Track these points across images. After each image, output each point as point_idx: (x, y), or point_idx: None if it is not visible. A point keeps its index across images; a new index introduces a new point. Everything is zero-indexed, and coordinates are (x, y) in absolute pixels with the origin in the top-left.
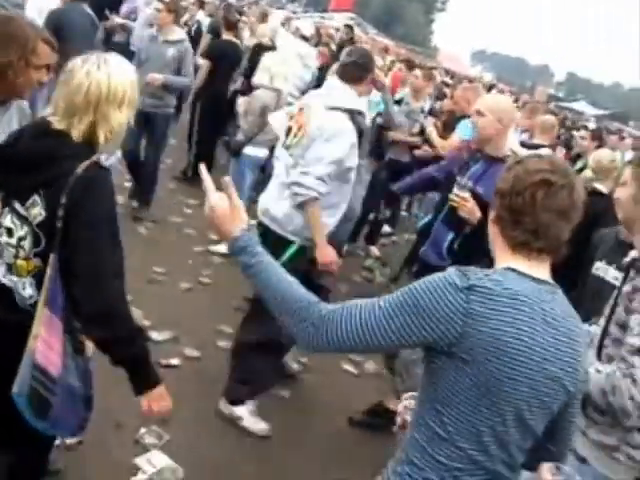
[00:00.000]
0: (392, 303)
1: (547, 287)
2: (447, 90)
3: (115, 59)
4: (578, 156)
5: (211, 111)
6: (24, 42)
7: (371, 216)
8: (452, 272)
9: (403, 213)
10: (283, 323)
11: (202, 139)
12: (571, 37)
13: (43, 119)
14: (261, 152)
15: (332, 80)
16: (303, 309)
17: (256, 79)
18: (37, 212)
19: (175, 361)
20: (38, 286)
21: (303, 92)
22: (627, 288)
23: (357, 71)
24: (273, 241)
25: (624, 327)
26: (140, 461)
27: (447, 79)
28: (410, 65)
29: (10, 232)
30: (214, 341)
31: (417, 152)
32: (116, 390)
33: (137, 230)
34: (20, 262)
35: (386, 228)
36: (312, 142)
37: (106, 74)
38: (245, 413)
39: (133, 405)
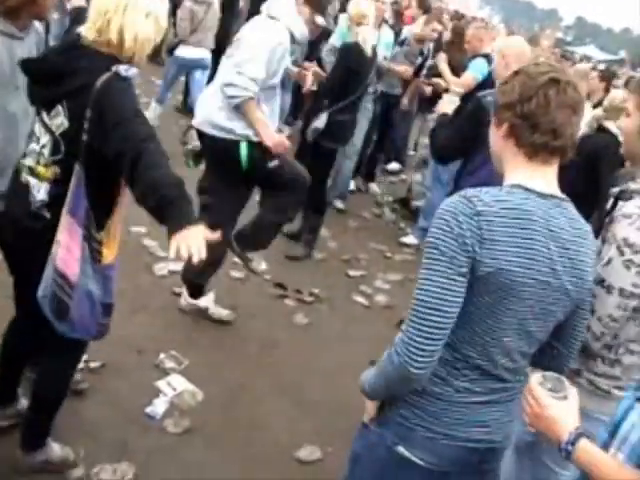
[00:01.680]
0: (427, 274)
1: (554, 201)
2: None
3: None
4: (587, 96)
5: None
6: None
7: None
8: (457, 201)
9: (411, 152)
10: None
11: None
12: None
13: (75, 34)
14: (190, 53)
15: None
16: (386, 367)
17: None
18: (59, 122)
19: None
20: (51, 192)
21: None
22: (607, 219)
23: None
24: (224, 148)
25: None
26: (160, 384)
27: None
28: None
29: (38, 139)
30: (228, 272)
31: (424, 87)
32: (136, 318)
33: None
34: (40, 168)
35: (394, 165)
36: (244, 44)
37: None
38: (209, 303)
39: (153, 332)
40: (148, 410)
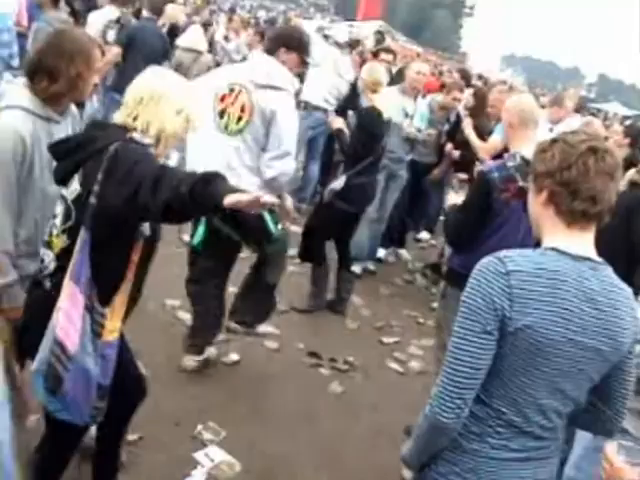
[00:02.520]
0: (458, 332)
1: (589, 263)
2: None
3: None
4: None
5: None
6: (87, 53)
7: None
8: (489, 262)
9: (441, 217)
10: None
11: None
12: (601, 38)
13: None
14: None
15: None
16: (421, 423)
17: None
18: (73, 188)
19: (235, 356)
20: (58, 262)
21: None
22: None
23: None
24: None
25: None
26: (198, 456)
27: (480, 83)
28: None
29: (55, 215)
30: (261, 341)
31: (452, 153)
32: (173, 390)
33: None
34: (53, 238)
35: (424, 234)
36: (266, 123)
37: (175, 81)
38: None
39: (190, 403)
40: None
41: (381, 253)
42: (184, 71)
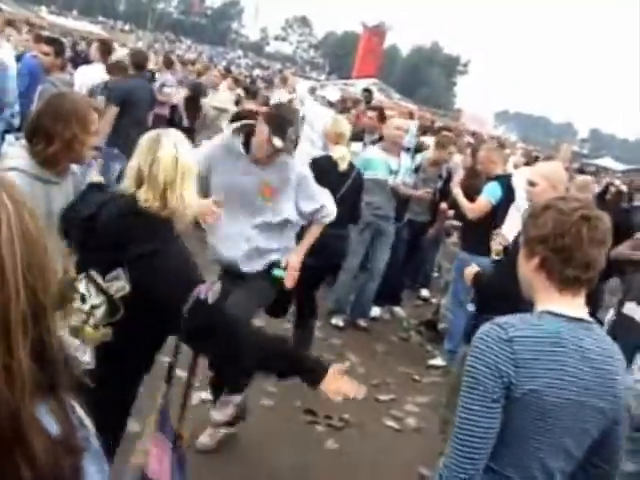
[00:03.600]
0: (464, 402)
1: (582, 324)
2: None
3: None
4: None
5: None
6: (83, 115)
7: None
8: (490, 329)
9: (435, 274)
10: None
11: None
12: (594, 93)
13: (130, 196)
14: None
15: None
16: None
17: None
18: (121, 285)
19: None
20: (98, 356)
21: None
22: None
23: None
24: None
25: None
26: None
27: (471, 140)
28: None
29: (83, 298)
30: (258, 401)
31: (446, 211)
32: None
33: None
34: (88, 329)
35: (424, 292)
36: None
37: (182, 152)
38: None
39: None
40: None
41: (376, 311)
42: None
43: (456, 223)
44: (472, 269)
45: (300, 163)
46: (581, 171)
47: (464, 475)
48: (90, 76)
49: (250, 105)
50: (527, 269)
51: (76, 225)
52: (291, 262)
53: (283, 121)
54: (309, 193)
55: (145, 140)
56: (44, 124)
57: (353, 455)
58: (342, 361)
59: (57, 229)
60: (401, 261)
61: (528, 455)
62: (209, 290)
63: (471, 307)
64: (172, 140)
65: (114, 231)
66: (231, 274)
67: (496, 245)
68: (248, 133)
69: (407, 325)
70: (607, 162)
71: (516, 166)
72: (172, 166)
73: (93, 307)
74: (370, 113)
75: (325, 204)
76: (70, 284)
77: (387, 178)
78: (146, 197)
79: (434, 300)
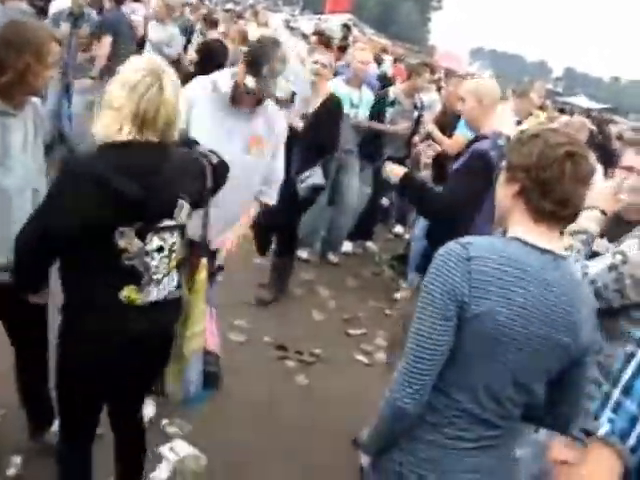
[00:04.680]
0: (417, 317)
1: (552, 256)
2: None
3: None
4: None
5: None
6: (39, 45)
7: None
8: (451, 246)
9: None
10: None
11: None
12: (568, 33)
13: (131, 143)
14: None
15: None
16: (381, 409)
17: None
18: (186, 211)
19: None
20: (178, 271)
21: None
22: None
23: None
24: None
25: None
26: (163, 450)
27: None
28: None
29: (161, 249)
30: (228, 335)
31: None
32: None
33: None
34: (172, 263)
35: (399, 228)
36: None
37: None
38: None
39: (156, 397)
40: (151, 476)
41: (348, 246)
42: None
43: (427, 159)
44: (400, 168)
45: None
46: (561, 110)
47: (410, 390)
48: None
49: (214, 35)
50: (506, 194)
51: (131, 194)
52: (227, 240)
53: (258, 58)
54: (277, 160)
55: (143, 83)
56: None
57: (323, 390)
58: (313, 295)
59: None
60: (380, 198)
61: (475, 379)
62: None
63: (421, 240)
64: (171, 80)
65: (168, 173)
66: None
67: (425, 159)
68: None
69: (379, 260)
70: (581, 101)
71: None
72: (173, 109)
73: (172, 245)
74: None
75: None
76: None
77: (349, 112)
78: (152, 139)
79: (407, 235)
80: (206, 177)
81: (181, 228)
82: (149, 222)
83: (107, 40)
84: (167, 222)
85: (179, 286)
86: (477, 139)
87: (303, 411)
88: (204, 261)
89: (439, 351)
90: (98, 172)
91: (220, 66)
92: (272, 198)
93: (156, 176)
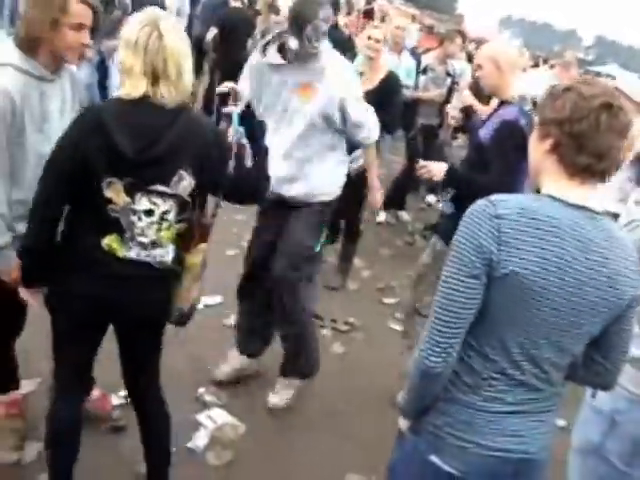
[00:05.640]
0: (445, 276)
1: (587, 213)
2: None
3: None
4: None
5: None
6: (63, 1)
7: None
8: (480, 204)
9: None
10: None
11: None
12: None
13: (142, 102)
14: None
15: None
16: (411, 369)
17: None
18: (187, 184)
19: (234, 318)
20: (176, 246)
21: None
22: None
23: None
24: None
25: None
26: (201, 417)
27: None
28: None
29: (150, 212)
30: None
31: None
32: (173, 351)
33: None
34: (163, 233)
35: (430, 198)
36: None
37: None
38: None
39: (192, 364)
40: (189, 444)
41: (381, 216)
42: None
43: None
44: (442, 165)
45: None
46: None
47: (437, 349)
48: None
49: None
50: (538, 151)
51: (124, 149)
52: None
53: (299, 19)
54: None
55: (142, 35)
56: (25, 11)
57: (358, 358)
58: (346, 265)
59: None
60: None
61: (511, 340)
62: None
63: (448, 207)
64: (170, 24)
65: (171, 141)
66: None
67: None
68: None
69: (412, 229)
70: (613, 69)
71: (524, 69)
72: (180, 53)
73: (164, 213)
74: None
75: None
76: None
77: None
78: (168, 94)
79: (440, 205)
80: (217, 149)
81: (179, 199)
82: (139, 181)
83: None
84: (160, 187)
85: (177, 261)
86: (501, 105)
87: (340, 379)
88: (204, 246)
89: (466, 310)
90: (101, 120)
91: (247, 36)
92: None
93: (156, 139)
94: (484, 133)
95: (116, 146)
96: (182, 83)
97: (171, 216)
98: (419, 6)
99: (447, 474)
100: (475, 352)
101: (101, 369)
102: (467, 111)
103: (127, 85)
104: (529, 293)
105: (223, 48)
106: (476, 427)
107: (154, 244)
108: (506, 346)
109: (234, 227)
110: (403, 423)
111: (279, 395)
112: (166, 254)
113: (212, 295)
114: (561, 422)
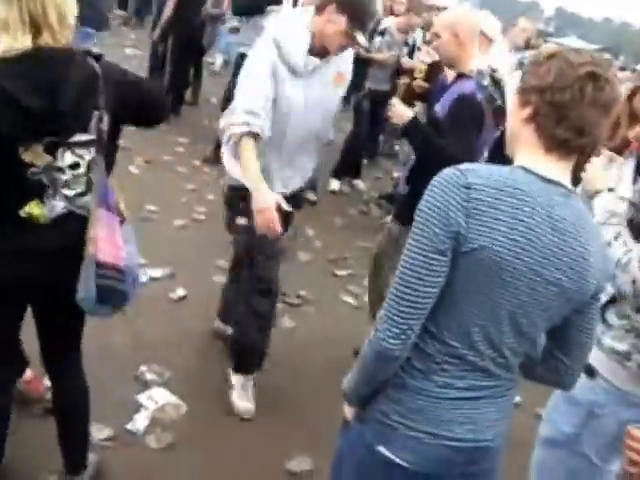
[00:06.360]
0: (407, 249)
1: (561, 189)
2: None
3: None
4: None
5: (184, 43)
6: None
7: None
8: (448, 172)
9: (396, 147)
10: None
11: (177, 69)
12: None
13: (33, 53)
14: None
15: None
16: (364, 349)
17: None
18: (105, 122)
19: (181, 292)
20: (88, 183)
21: None
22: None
23: None
24: None
25: None
26: (141, 398)
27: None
28: None
29: (75, 165)
30: (210, 276)
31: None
32: (114, 327)
33: (129, 170)
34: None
35: (388, 165)
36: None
37: None
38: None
39: (132, 342)
40: (128, 426)
41: (335, 185)
42: None
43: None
44: (407, 111)
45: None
46: None
47: (396, 330)
48: None
49: None
50: (516, 118)
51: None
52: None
53: (365, 12)
54: None
55: None
56: None
57: (309, 332)
58: (299, 234)
59: None
60: (363, 133)
61: (469, 322)
62: None
63: (403, 187)
64: None
65: (77, 86)
66: None
67: (419, 62)
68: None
69: (367, 198)
70: (572, 41)
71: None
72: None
73: (91, 162)
74: None
75: None
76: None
77: None
78: (55, 42)
79: (395, 173)
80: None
81: (101, 142)
82: (59, 137)
83: None
84: (81, 137)
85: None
86: (458, 77)
87: (288, 354)
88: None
89: (430, 289)
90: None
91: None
92: None
93: (65, 86)
94: (440, 107)
95: (24, 108)
96: (66, 29)
97: (98, 162)
98: None
99: (397, 465)
100: (429, 335)
101: (34, 350)
102: (435, 67)
103: (5, 41)
104: (496, 270)
105: (180, 9)
106: (429, 415)
107: (81, 194)
108: (467, 329)
109: (183, 197)
110: (348, 410)
111: None
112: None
113: (159, 267)
114: (517, 398)
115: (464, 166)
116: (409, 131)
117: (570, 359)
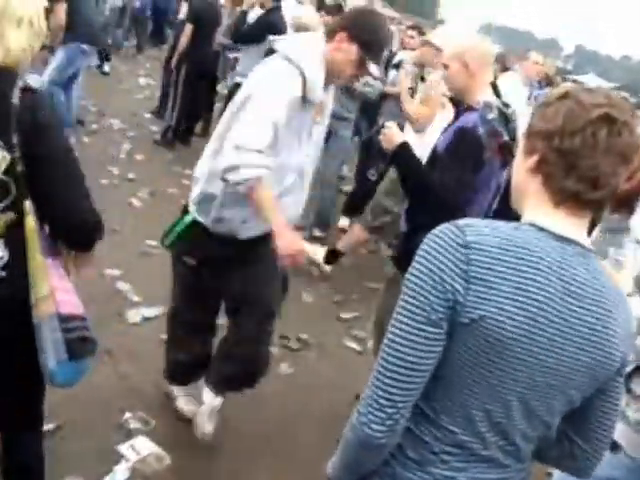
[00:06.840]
0: (395, 320)
1: (576, 248)
2: None
3: None
4: None
5: (198, 73)
6: None
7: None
8: (444, 229)
9: None
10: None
11: (188, 100)
12: (579, 10)
13: None
14: None
15: None
16: (346, 432)
17: None
18: (0, 158)
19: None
20: (7, 244)
21: None
22: None
23: None
24: None
25: None
26: (123, 448)
27: None
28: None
29: None
30: None
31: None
32: (101, 370)
33: (131, 202)
34: None
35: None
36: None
37: None
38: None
39: (119, 386)
40: (107, 479)
41: (344, 221)
42: None
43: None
44: (399, 135)
45: None
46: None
47: (381, 414)
48: None
49: None
50: (521, 168)
51: None
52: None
53: (378, 40)
54: None
55: None
56: None
57: (309, 379)
58: (303, 275)
59: None
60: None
61: (471, 405)
62: None
63: (403, 225)
64: None
65: None
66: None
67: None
68: None
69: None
70: (591, 79)
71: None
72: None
73: None
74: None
75: None
76: None
77: None
78: None
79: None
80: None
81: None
82: None
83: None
84: None
85: (6, 265)
86: (463, 110)
87: (286, 403)
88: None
89: (422, 366)
90: None
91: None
92: None
93: None
94: (441, 141)
95: None
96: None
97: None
98: (399, 9)
99: None
100: (426, 420)
101: None
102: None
103: None
104: (502, 345)
105: (195, 39)
106: None
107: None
108: (469, 413)
109: None
110: None
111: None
112: None
113: (153, 306)
114: None
115: (463, 221)
116: (398, 157)
117: (589, 444)
